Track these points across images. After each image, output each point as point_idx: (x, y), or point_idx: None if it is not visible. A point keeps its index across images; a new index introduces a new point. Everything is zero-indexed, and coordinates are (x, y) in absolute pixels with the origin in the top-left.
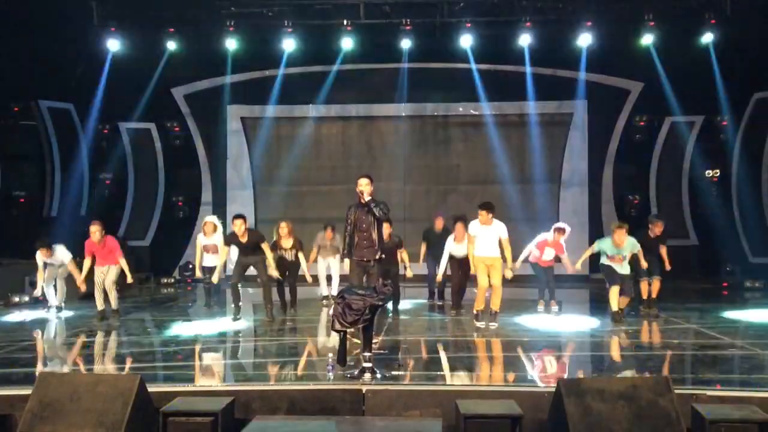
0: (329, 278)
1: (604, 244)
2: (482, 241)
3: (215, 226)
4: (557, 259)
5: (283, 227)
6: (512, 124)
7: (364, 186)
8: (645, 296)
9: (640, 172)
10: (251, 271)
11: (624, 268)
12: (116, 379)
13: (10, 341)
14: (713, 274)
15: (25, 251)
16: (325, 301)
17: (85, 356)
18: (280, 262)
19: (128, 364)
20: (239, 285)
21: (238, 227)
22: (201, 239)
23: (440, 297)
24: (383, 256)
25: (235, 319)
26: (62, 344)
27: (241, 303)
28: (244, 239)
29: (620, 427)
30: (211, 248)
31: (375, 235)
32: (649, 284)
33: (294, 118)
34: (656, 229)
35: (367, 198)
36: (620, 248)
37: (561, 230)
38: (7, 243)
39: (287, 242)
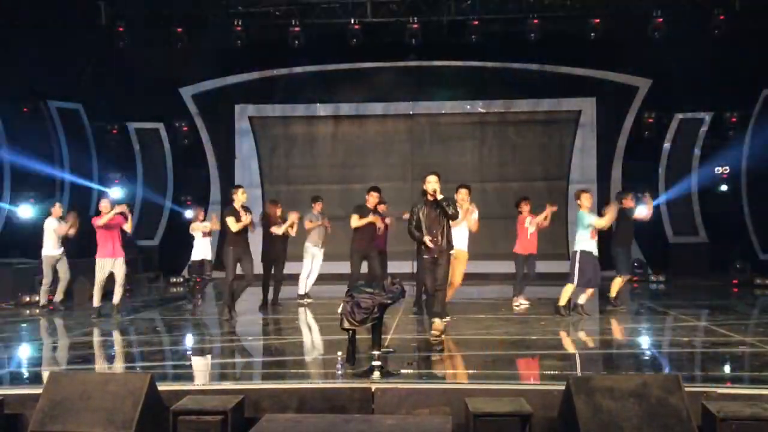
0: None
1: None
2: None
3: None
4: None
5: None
6: (520, 121)
7: (435, 183)
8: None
9: (650, 169)
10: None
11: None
12: (126, 378)
13: (21, 341)
14: (723, 271)
15: (34, 252)
16: (300, 301)
17: (95, 355)
18: (271, 249)
19: (138, 363)
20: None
21: (240, 194)
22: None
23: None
24: (452, 252)
25: (231, 319)
26: (72, 343)
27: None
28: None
29: (630, 425)
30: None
31: (444, 234)
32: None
33: (302, 117)
34: (627, 203)
35: (439, 196)
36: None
37: (526, 199)
38: (17, 243)
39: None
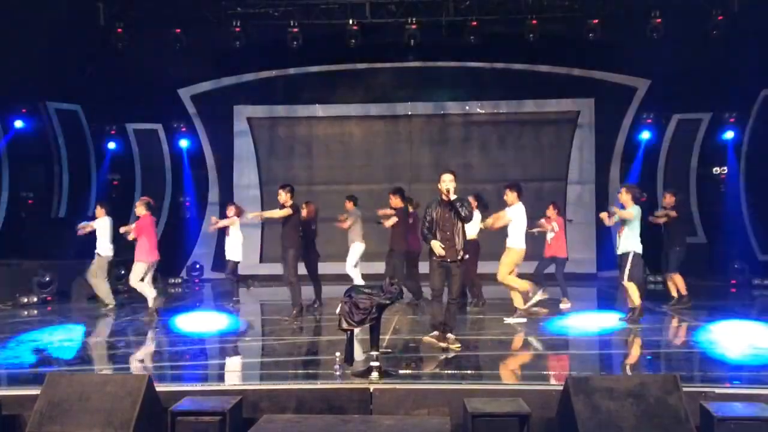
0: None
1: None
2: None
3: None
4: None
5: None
6: (519, 122)
7: (449, 183)
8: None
9: (648, 169)
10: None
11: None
12: (124, 379)
13: (19, 342)
14: (722, 272)
15: (33, 252)
16: None
17: (93, 356)
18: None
19: (136, 364)
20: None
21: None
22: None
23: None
24: (467, 256)
25: (299, 315)
26: (70, 344)
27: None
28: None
29: (629, 425)
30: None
31: (458, 235)
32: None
33: (300, 118)
34: (667, 198)
35: (453, 196)
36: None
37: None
38: (16, 244)
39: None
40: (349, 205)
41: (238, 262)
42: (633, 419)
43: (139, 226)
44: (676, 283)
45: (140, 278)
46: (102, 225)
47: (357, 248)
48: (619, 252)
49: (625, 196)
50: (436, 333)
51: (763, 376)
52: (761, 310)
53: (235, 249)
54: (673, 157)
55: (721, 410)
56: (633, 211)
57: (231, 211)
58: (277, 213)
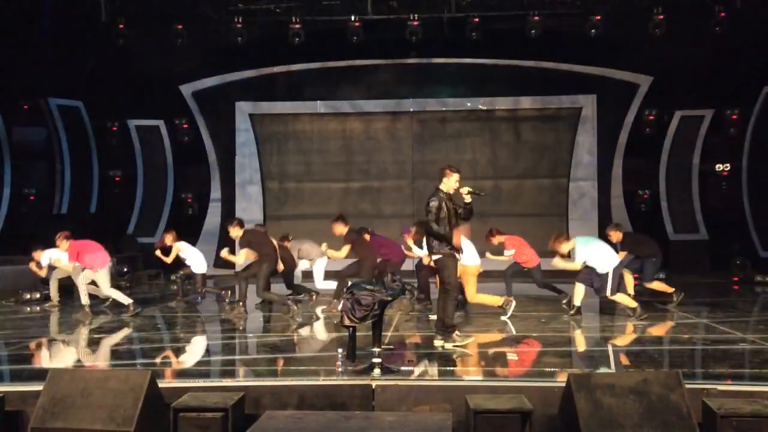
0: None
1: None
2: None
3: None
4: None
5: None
6: (521, 118)
7: (460, 182)
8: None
9: (650, 166)
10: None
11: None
12: (127, 375)
13: (22, 338)
14: (723, 268)
15: (35, 249)
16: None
17: (95, 352)
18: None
19: (139, 360)
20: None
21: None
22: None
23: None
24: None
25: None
26: (73, 341)
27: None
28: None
29: (631, 422)
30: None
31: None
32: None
33: (302, 114)
34: (612, 236)
35: (468, 199)
36: None
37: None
38: (17, 240)
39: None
40: (287, 244)
41: (204, 274)
42: (635, 416)
43: (76, 251)
44: (656, 289)
45: (110, 284)
46: (52, 256)
47: (320, 264)
48: (600, 272)
49: (563, 246)
50: (457, 334)
51: (765, 373)
52: (763, 306)
53: (197, 263)
54: (675, 153)
55: (724, 407)
56: (575, 253)
57: (169, 239)
58: (240, 258)
